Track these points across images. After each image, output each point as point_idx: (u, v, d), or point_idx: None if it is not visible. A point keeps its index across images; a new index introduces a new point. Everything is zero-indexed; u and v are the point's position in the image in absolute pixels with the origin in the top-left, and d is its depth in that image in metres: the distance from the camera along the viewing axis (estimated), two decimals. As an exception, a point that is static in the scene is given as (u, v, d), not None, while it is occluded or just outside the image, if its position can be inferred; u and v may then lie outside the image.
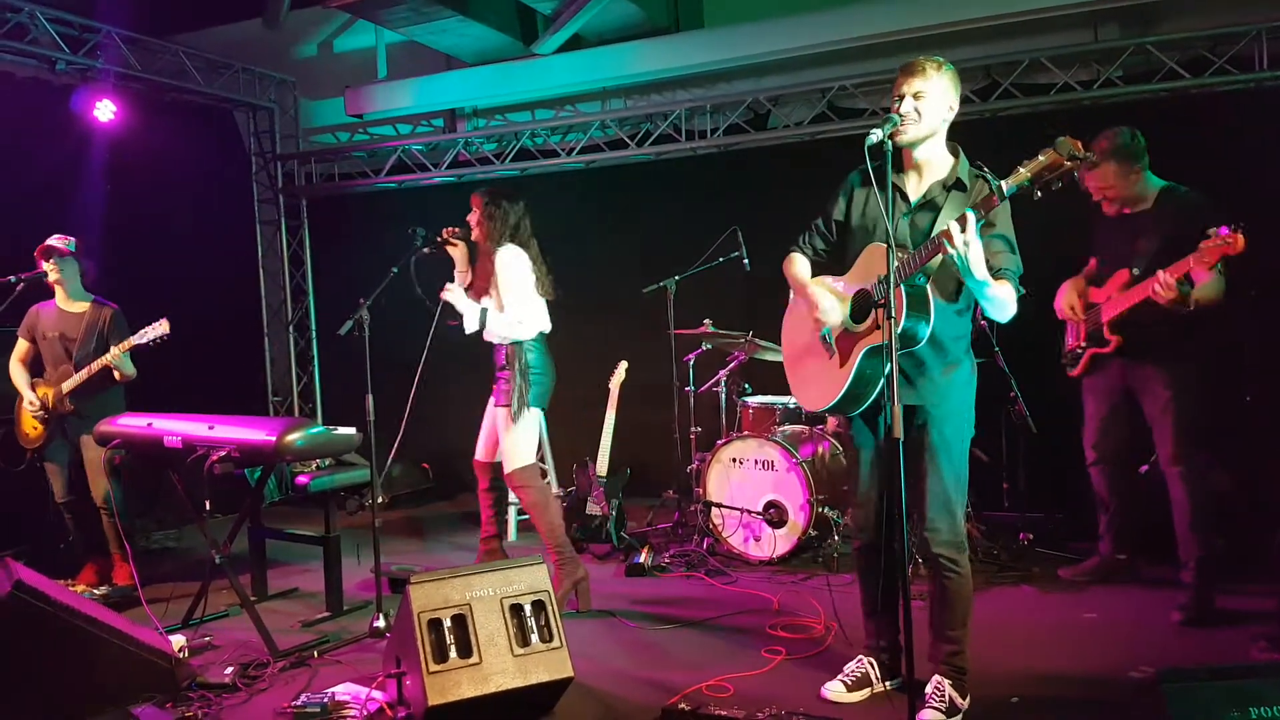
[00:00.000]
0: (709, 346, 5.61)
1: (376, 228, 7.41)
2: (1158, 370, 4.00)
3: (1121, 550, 4.38)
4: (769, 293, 5.70)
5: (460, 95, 7.29)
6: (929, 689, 3.11)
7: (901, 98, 2.98)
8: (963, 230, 2.70)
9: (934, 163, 3.06)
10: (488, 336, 4.43)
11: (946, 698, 3.08)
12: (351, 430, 4.23)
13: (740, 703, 3.19)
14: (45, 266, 4.93)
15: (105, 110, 6.45)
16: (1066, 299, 4.32)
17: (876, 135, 2.78)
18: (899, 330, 2.81)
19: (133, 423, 4.32)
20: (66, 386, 4.87)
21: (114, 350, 4.79)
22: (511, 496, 5.87)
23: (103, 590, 4.89)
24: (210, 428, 4.02)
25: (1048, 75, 5.73)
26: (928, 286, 2.93)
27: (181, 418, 4.20)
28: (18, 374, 5.03)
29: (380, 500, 4.46)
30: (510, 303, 4.31)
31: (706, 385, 5.71)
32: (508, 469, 4.38)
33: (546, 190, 7.21)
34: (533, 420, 4.38)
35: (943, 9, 5.69)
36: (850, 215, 3.24)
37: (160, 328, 4.72)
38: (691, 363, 5.67)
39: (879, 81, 6.14)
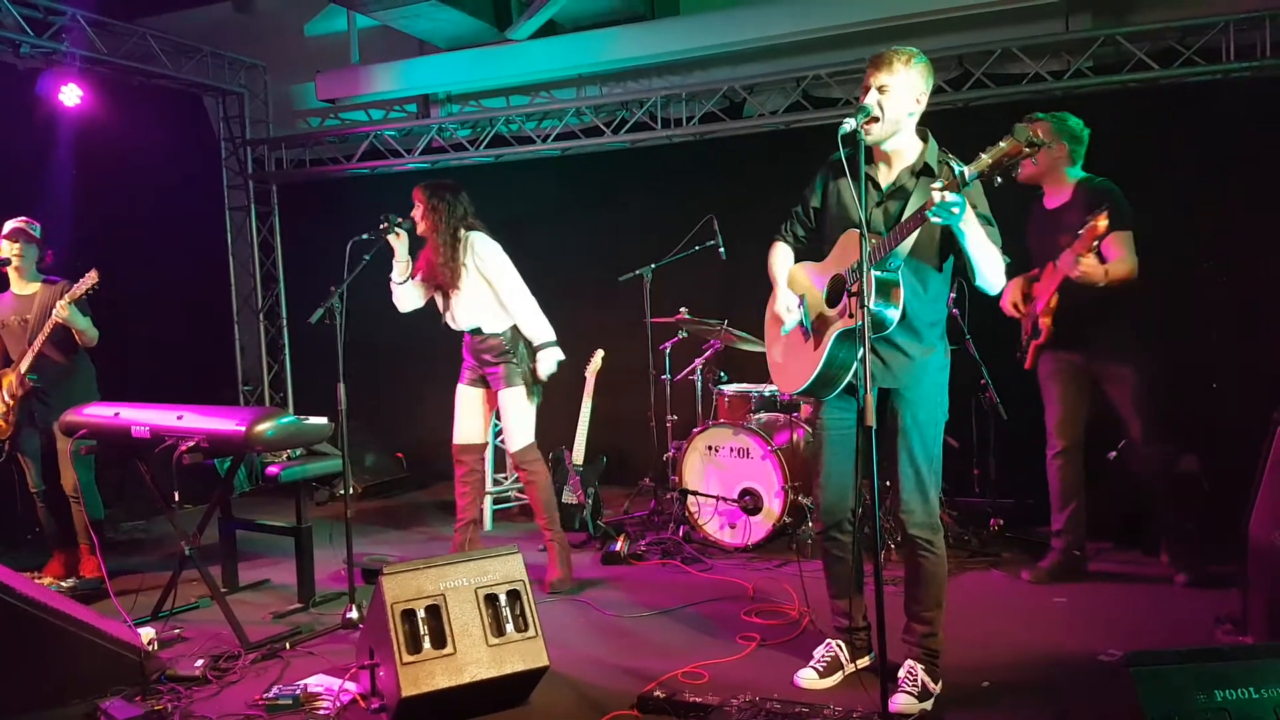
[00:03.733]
0: (685, 334, 5.61)
1: (348, 214, 7.30)
2: (1113, 361, 4.15)
3: (1079, 546, 4.40)
4: (745, 281, 5.72)
5: (434, 80, 7.23)
6: (901, 673, 3.14)
7: (867, 90, 3.00)
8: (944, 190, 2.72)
9: (903, 150, 3.09)
10: (482, 326, 4.50)
11: (919, 682, 3.11)
12: (323, 419, 4.19)
13: (715, 689, 3.21)
14: (10, 250, 4.85)
15: (71, 95, 6.34)
16: (1010, 296, 4.39)
17: (850, 124, 2.79)
18: (869, 314, 2.82)
19: (100, 412, 4.26)
20: (24, 365, 4.78)
21: (59, 305, 4.64)
22: (489, 485, 5.85)
23: (70, 583, 4.83)
24: (179, 417, 3.97)
25: (1019, 65, 5.77)
26: (899, 273, 2.96)
27: (149, 407, 4.15)
28: None
29: (353, 490, 4.43)
30: (515, 289, 4.47)
31: (682, 373, 5.71)
32: (517, 447, 4.51)
33: (522, 177, 7.17)
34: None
35: (917, -2, 5.71)
36: (827, 202, 3.27)
37: (90, 279, 4.66)
38: (668, 351, 5.66)
39: (853, 71, 6.15)
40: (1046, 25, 5.78)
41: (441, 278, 4.47)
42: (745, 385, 5.67)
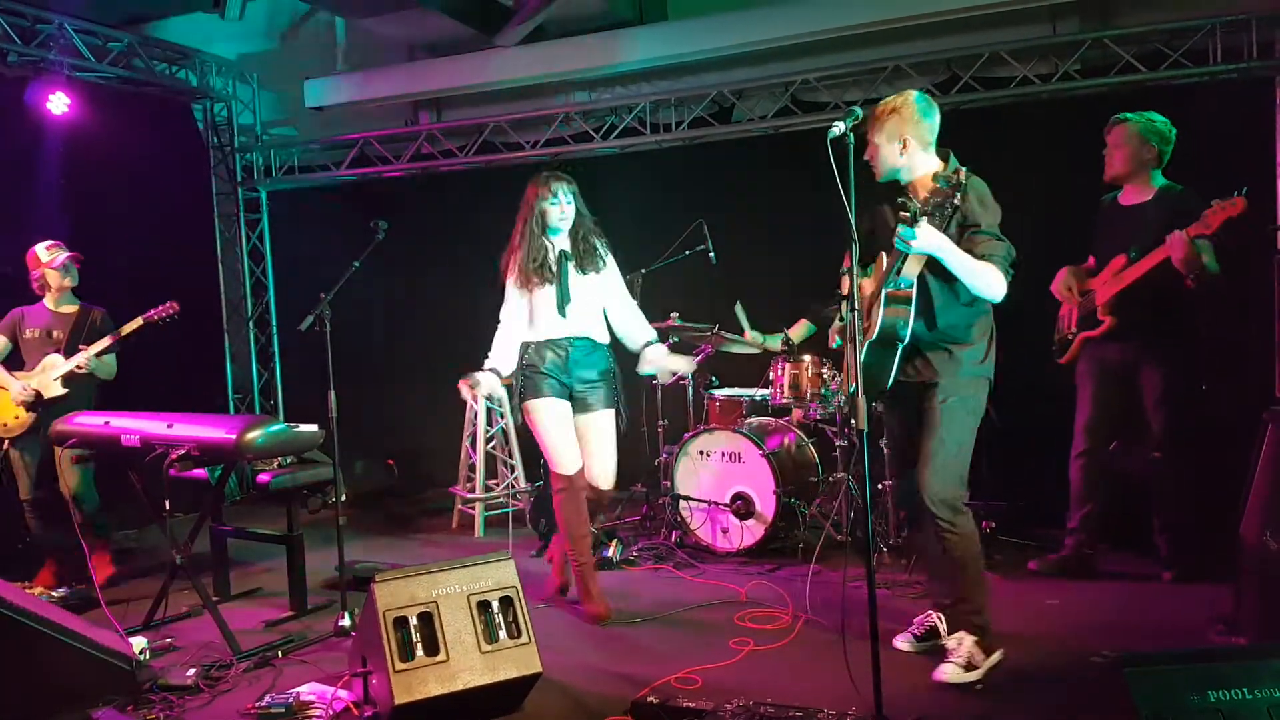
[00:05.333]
0: (676, 339, 5.59)
1: (337, 221, 7.33)
2: (1155, 356, 4.17)
3: (1090, 545, 4.42)
4: (734, 285, 5.73)
5: (421, 87, 7.22)
6: (951, 643, 3.32)
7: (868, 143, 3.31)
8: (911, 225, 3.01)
9: (926, 179, 3.26)
10: (594, 335, 4.17)
11: (965, 654, 3.26)
12: (314, 427, 4.17)
13: (709, 694, 3.20)
14: (58, 280, 5.07)
15: (59, 103, 6.31)
16: (1064, 281, 4.43)
17: (839, 128, 2.83)
18: (880, 326, 3.17)
19: (90, 421, 4.25)
20: (61, 371, 4.93)
21: (132, 324, 4.99)
22: (479, 491, 5.83)
23: (60, 592, 4.80)
24: (169, 426, 3.95)
25: (1007, 68, 5.79)
26: (912, 290, 3.16)
27: (140, 416, 4.14)
28: None
29: (344, 497, 4.42)
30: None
31: (673, 378, 5.70)
32: (613, 481, 4.21)
33: (511, 184, 7.13)
34: None
35: (904, 3, 5.71)
36: (874, 225, 3.49)
37: (168, 309, 4.99)
38: (658, 356, 5.65)
39: (842, 75, 6.17)
40: (1033, 29, 5.80)
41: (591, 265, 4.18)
42: (736, 390, 5.67)
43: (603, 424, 4.12)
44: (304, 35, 7.75)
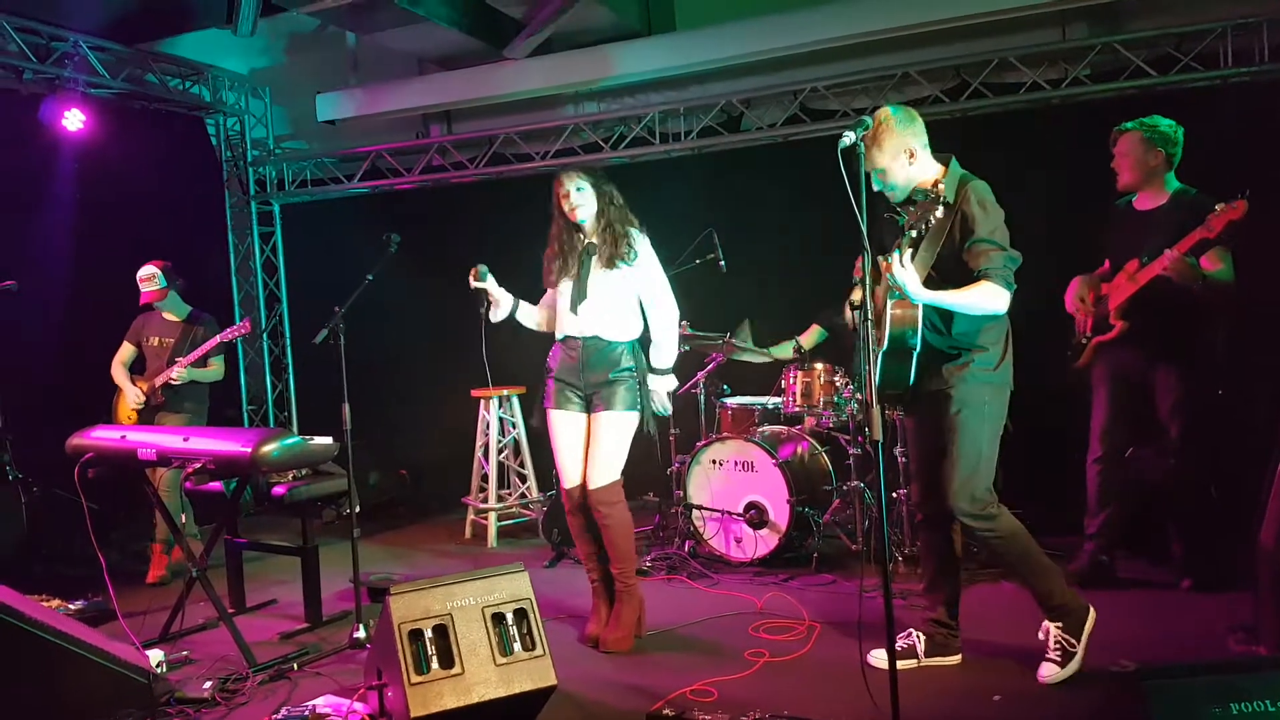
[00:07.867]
0: (686, 348, 5.58)
1: (350, 234, 7.36)
2: (1170, 360, 4.13)
3: (1108, 552, 4.40)
4: (745, 294, 5.73)
5: (433, 100, 7.25)
6: (1042, 636, 3.39)
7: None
8: (892, 266, 3.05)
9: (928, 184, 3.21)
10: (609, 333, 3.93)
11: (1056, 646, 3.33)
12: (328, 439, 4.18)
13: (724, 706, 3.19)
14: (158, 302, 5.43)
15: (74, 120, 6.37)
16: (1077, 292, 4.41)
17: (849, 138, 2.81)
18: (889, 336, 3.18)
19: (106, 435, 4.27)
20: (159, 380, 5.32)
21: (206, 345, 5.32)
22: (492, 500, 5.81)
23: (76, 605, 4.83)
24: (185, 439, 3.97)
25: (1016, 74, 5.78)
26: (918, 303, 3.15)
27: (155, 429, 4.16)
28: (118, 373, 5.48)
29: (358, 509, 4.43)
30: (668, 292, 4.06)
31: (685, 387, 5.69)
32: (602, 482, 3.85)
33: (521, 195, 7.18)
34: None
35: (912, 9, 5.71)
36: (884, 236, 3.49)
37: (241, 329, 5.35)
38: (669, 365, 5.65)
39: (851, 83, 6.17)
40: (1043, 34, 5.79)
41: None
42: (748, 398, 5.66)
43: (605, 424, 3.89)
44: (315, 49, 7.80)
